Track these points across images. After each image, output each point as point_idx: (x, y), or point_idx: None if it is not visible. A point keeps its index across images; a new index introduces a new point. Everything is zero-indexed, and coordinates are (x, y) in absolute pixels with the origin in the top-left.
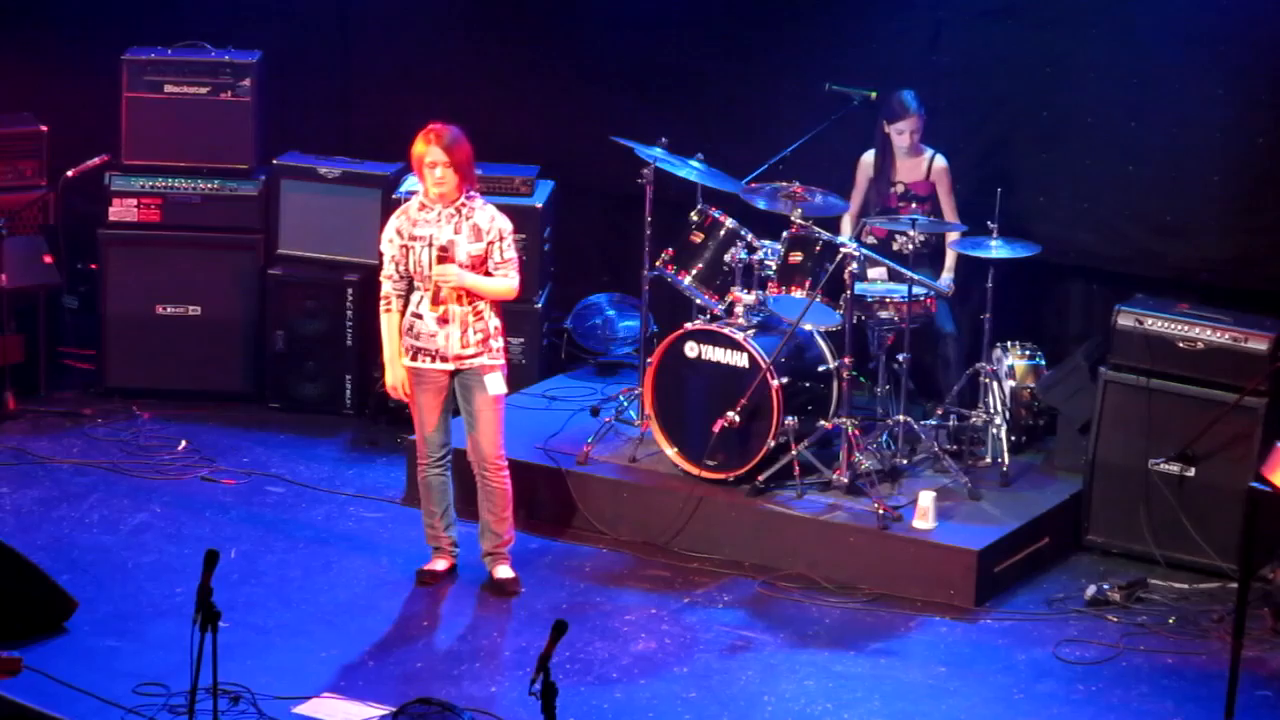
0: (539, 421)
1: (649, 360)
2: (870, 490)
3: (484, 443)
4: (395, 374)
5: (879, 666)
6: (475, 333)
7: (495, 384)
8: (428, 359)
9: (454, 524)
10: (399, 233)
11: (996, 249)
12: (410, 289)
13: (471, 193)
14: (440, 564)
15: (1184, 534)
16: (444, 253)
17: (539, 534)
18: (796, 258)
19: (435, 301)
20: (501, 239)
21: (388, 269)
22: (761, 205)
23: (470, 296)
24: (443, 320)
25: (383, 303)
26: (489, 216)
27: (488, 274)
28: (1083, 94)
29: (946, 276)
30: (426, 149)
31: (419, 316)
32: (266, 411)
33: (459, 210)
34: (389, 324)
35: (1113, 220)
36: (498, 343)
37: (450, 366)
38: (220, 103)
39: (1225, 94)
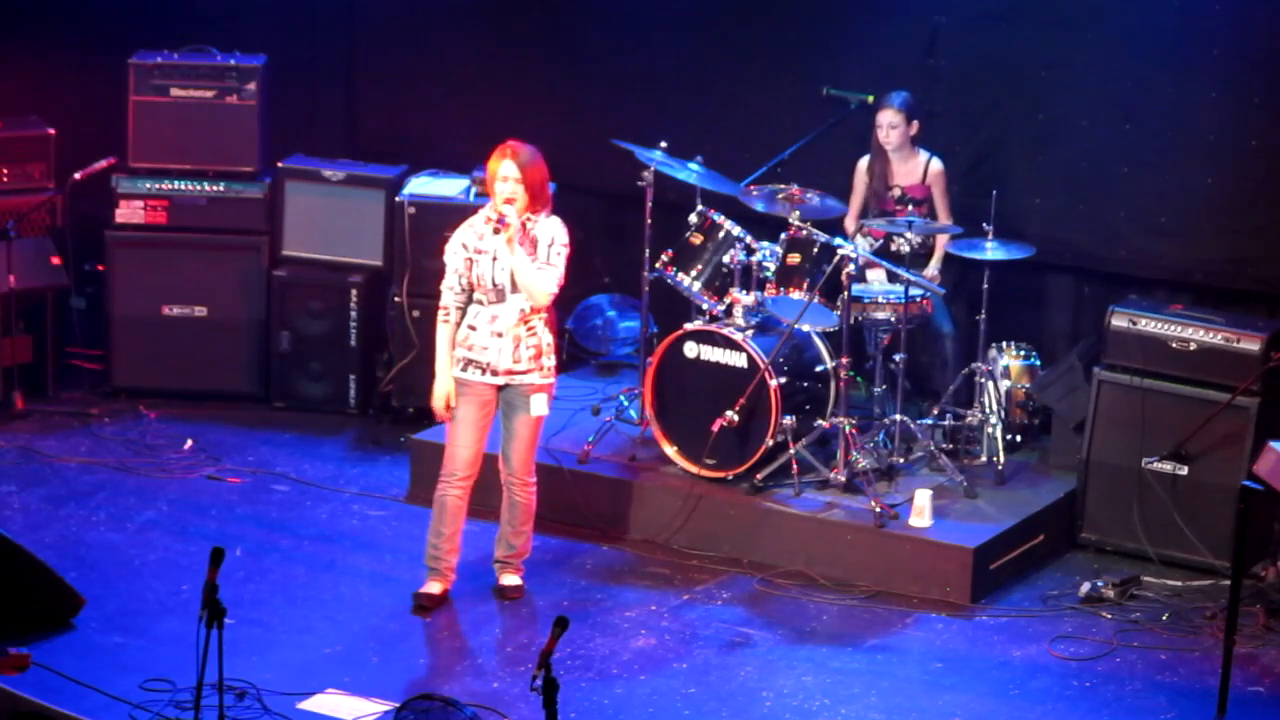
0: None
1: (649, 360)
2: (867, 488)
3: (516, 458)
4: (443, 385)
5: (876, 662)
6: (527, 348)
7: (539, 405)
8: (477, 371)
9: (458, 550)
10: (464, 245)
11: (992, 250)
12: (469, 301)
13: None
14: (435, 587)
15: (1177, 532)
16: (502, 219)
17: (540, 531)
18: (795, 259)
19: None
20: (551, 244)
21: (449, 280)
22: (760, 207)
23: (525, 313)
24: (497, 334)
25: (441, 313)
26: (548, 228)
27: None
28: (1078, 97)
29: (933, 268)
30: (500, 164)
31: (473, 329)
32: (271, 411)
33: (524, 226)
34: (445, 334)
35: (1107, 222)
36: (550, 360)
37: (499, 381)
38: (226, 106)
39: (1219, 97)
